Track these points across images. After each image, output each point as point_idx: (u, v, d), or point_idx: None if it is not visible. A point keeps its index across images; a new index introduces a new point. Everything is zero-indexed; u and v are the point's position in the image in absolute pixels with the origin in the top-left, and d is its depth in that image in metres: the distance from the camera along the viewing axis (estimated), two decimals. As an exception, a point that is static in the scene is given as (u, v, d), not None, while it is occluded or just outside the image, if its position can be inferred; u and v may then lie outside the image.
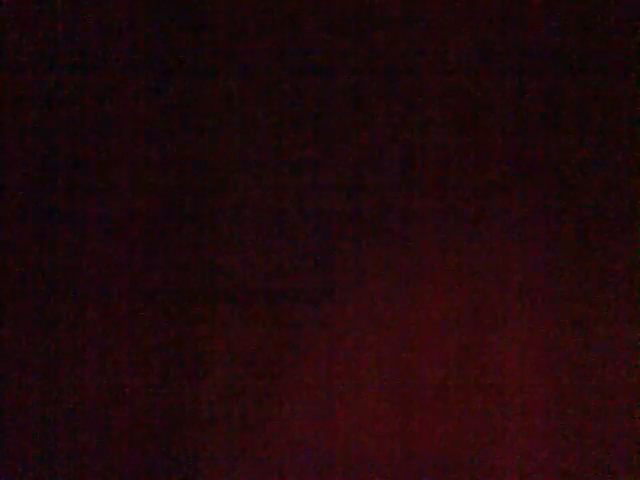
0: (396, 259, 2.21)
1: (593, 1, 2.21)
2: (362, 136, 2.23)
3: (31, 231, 2.22)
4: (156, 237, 2.22)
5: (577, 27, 2.22)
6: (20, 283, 2.21)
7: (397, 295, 2.20)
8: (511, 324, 2.19)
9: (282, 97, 2.25)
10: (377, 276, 2.21)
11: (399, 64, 2.23)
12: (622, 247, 2.19)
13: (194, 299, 2.22)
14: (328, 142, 2.23)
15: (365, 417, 2.19)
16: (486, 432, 2.17)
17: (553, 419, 2.18)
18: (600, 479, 2.16)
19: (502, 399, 2.18)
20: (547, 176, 2.21)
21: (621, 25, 2.21)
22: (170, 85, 2.25)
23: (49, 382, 2.20)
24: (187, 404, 2.20)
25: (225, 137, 2.25)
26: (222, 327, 2.21)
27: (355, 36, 2.24)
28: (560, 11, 2.21)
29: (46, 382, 2.20)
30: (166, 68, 2.25)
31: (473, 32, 2.22)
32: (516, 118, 2.23)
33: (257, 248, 2.23)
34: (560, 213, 2.20)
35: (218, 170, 2.24)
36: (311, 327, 2.21)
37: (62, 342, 2.20)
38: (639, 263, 2.18)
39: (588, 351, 2.18)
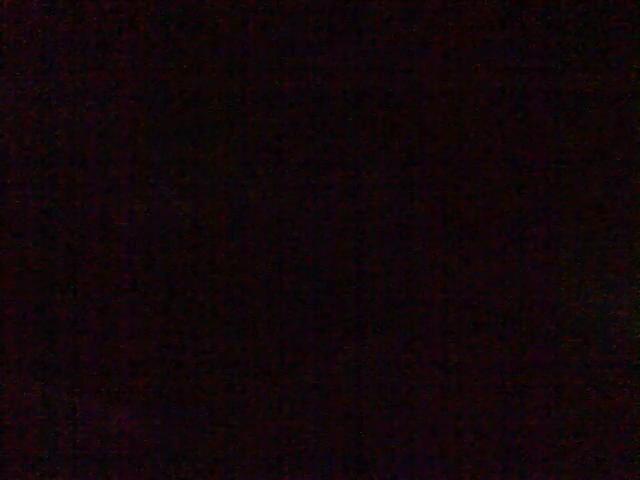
0: (396, 260, 2.21)
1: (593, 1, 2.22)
2: (362, 136, 2.24)
3: (31, 231, 2.22)
4: (156, 237, 2.23)
5: (577, 27, 2.22)
6: (20, 283, 2.22)
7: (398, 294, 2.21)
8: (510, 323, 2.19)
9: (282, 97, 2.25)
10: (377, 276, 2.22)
11: (399, 64, 2.24)
12: (622, 247, 2.19)
13: (194, 299, 2.23)
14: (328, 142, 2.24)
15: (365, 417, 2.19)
16: (484, 432, 2.18)
17: (553, 419, 2.18)
18: (600, 479, 2.16)
19: (501, 399, 2.18)
20: (547, 176, 2.21)
21: (621, 25, 2.21)
22: (170, 85, 2.25)
23: (49, 382, 2.20)
24: (187, 403, 2.20)
25: (225, 137, 2.25)
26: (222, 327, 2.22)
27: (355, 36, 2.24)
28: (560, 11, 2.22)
29: (46, 382, 2.20)
30: (166, 68, 2.25)
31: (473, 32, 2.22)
32: (516, 118, 2.23)
33: (257, 248, 2.23)
34: (560, 213, 2.21)
35: (218, 170, 2.24)
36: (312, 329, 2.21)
37: (62, 342, 2.21)
38: (639, 263, 2.18)
39: (588, 351, 2.18)
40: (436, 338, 2.19)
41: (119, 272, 2.22)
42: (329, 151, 2.23)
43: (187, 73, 2.25)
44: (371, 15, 2.23)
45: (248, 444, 2.19)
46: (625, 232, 2.19)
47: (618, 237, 2.18)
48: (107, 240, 2.22)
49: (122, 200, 2.23)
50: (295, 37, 2.24)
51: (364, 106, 2.23)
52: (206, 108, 2.25)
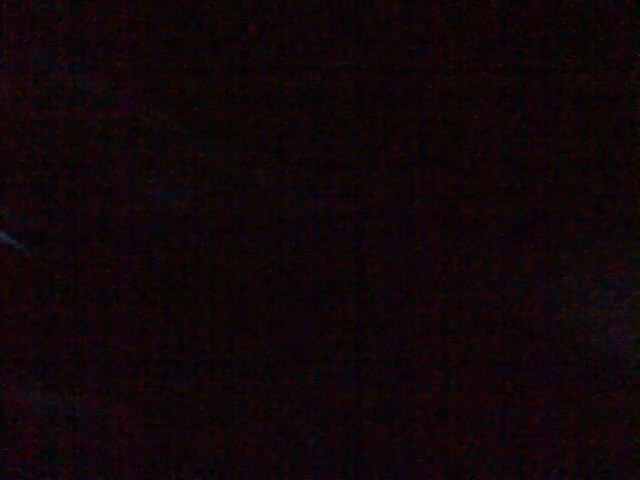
0: (396, 260, 2.21)
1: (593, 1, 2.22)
2: (362, 136, 2.24)
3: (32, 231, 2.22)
4: (157, 237, 2.23)
5: (577, 27, 2.22)
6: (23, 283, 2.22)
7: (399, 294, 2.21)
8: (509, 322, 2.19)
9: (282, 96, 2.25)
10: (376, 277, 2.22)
11: (399, 64, 2.24)
12: (622, 247, 2.19)
13: (194, 299, 2.23)
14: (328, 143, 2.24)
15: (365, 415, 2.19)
16: (484, 432, 2.18)
17: (553, 419, 2.18)
18: (600, 479, 2.17)
19: (501, 399, 2.19)
20: (547, 176, 2.22)
21: (621, 25, 2.21)
22: (171, 84, 2.25)
23: (49, 382, 2.20)
24: (187, 403, 2.20)
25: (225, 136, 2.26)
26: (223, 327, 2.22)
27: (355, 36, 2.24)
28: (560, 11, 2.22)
29: (46, 382, 2.20)
30: (166, 67, 2.26)
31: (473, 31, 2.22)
32: (515, 118, 2.23)
33: (257, 248, 2.23)
34: (560, 213, 2.21)
35: (218, 170, 2.24)
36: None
37: (62, 342, 2.21)
38: (639, 263, 2.18)
39: (588, 351, 2.18)
40: (436, 338, 2.19)
41: (119, 272, 2.22)
42: (329, 151, 2.23)
43: (187, 73, 2.25)
44: (371, 15, 2.23)
45: (248, 444, 2.19)
46: (625, 232, 2.19)
47: (618, 237, 2.19)
48: (107, 240, 2.22)
49: (122, 200, 2.23)
50: (295, 37, 2.24)
51: (364, 106, 2.23)
52: (206, 107, 2.25)
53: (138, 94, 2.24)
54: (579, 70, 2.20)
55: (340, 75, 2.24)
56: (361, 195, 2.21)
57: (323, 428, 2.18)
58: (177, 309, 2.22)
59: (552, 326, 2.18)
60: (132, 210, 2.22)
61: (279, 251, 2.23)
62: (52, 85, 2.23)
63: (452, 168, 2.21)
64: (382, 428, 2.18)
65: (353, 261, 2.22)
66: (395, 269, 2.20)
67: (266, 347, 2.21)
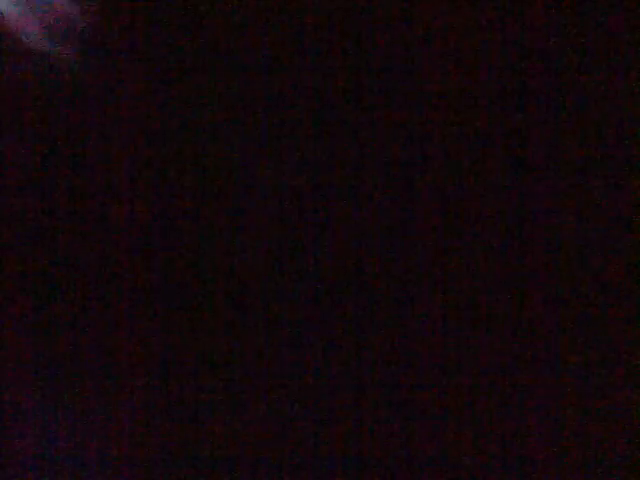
0: (396, 258, 2.21)
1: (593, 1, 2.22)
2: (362, 136, 2.23)
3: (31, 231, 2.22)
4: (155, 237, 2.23)
5: (577, 27, 2.22)
6: (20, 283, 2.22)
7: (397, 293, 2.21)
8: (509, 323, 2.19)
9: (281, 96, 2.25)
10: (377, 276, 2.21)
11: (399, 64, 2.24)
12: (622, 247, 2.19)
13: (194, 299, 2.22)
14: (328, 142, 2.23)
15: (365, 418, 2.19)
16: (484, 432, 2.18)
17: (553, 419, 2.18)
18: (600, 479, 2.16)
19: (500, 399, 2.19)
20: (547, 176, 2.21)
21: (621, 25, 2.21)
22: (170, 84, 2.25)
23: (49, 382, 2.20)
24: (187, 404, 2.20)
25: (224, 137, 2.25)
26: (222, 328, 2.22)
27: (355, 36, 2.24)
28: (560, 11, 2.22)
29: (46, 382, 2.20)
30: (166, 67, 2.25)
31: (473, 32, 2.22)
32: (516, 117, 2.23)
33: (256, 248, 2.23)
34: (560, 213, 2.21)
35: (218, 170, 2.24)
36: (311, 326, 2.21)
37: (62, 342, 2.21)
38: (639, 263, 2.18)
39: (588, 351, 2.18)
40: (436, 338, 2.19)
41: (119, 272, 2.22)
42: (329, 150, 2.23)
43: (187, 73, 2.25)
44: (371, 15, 2.23)
45: (248, 444, 2.19)
46: (625, 232, 2.19)
47: (618, 237, 2.18)
48: (107, 240, 2.22)
49: (122, 200, 2.23)
50: (295, 37, 2.24)
51: (364, 106, 2.23)
52: (206, 108, 2.25)
53: (139, 94, 2.24)
54: (579, 70, 2.20)
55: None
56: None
57: (324, 428, 2.18)
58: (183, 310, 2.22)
59: (552, 325, 2.18)
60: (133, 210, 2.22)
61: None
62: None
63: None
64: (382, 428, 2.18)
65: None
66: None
67: (266, 346, 2.21)
